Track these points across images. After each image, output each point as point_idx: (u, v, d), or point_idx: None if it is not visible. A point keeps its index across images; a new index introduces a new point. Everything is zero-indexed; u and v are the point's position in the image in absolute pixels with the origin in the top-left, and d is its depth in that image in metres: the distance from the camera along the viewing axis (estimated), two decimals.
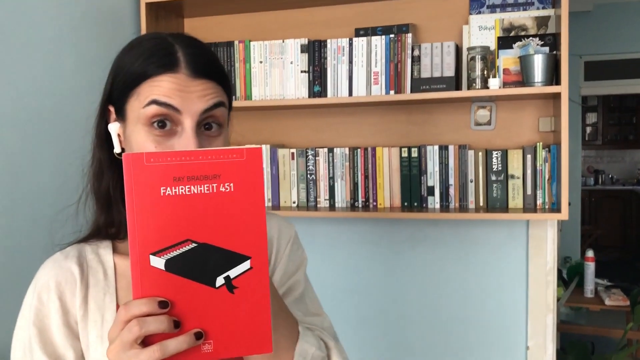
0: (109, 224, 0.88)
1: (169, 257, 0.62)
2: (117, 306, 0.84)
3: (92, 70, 1.80)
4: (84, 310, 0.83)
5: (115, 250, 0.89)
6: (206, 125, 0.80)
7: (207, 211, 0.62)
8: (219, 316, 0.63)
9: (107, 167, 0.87)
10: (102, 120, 0.87)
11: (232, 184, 0.62)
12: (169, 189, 0.61)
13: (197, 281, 0.63)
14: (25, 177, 1.60)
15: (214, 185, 0.62)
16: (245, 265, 0.63)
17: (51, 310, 0.83)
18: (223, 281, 0.63)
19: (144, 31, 2.05)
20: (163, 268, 0.62)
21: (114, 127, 0.84)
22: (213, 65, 0.84)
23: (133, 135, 0.81)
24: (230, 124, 0.89)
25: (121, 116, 0.83)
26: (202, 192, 0.62)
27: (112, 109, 0.85)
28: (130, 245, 0.62)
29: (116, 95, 0.83)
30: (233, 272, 0.63)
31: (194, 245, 0.62)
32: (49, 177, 1.67)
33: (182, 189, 0.61)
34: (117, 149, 0.85)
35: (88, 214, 0.90)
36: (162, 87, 0.78)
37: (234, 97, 2.09)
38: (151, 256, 0.61)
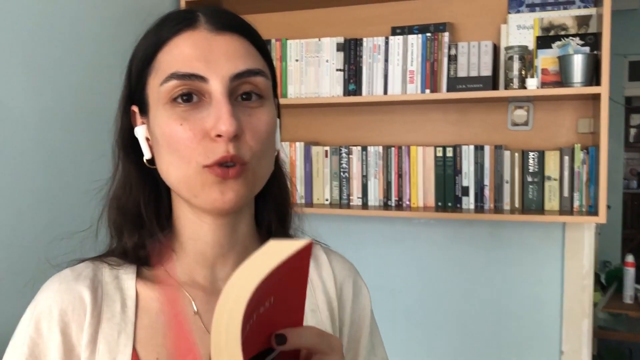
0: (138, 247, 0.73)
1: None
2: (134, 351, 0.67)
3: None
4: (90, 351, 0.66)
5: (139, 276, 0.72)
6: (244, 96, 0.66)
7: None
8: None
9: (136, 179, 0.73)
10: (126, 124, 0.73)
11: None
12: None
13: None
14: (65, 173, 1.65)
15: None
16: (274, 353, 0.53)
17: (50, 347, 0.66)
18: None
19: None
20: None
21: (140, 131, 0.71)
22: (241, 21, 0.70)
23: (156, 121, 0.67)
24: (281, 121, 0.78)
25: (144, 111, 0.70)
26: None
27: (135, 109, 0.72)
28: None
29: (134, 83, 0.71)
30: None
31: None
32: (87, 174, 1.72)
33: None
34: (146, 155, 0.71)
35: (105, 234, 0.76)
36: (181, 52, 0.65)
37: None
38: None
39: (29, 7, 1.54)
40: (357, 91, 2.07)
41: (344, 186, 2.13)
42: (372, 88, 2.05)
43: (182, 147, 0.65)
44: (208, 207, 0.67)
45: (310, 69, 2.12)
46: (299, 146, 2.17)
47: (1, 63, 1.47)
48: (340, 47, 2.08)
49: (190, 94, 0.65)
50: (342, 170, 2.13)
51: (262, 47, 0.71)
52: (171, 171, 0.67)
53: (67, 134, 1.65)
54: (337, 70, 2.09)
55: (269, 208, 0.80)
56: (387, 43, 2.03)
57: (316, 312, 0.78)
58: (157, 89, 0.66)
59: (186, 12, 0.69)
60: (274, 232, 0.81)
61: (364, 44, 2.06)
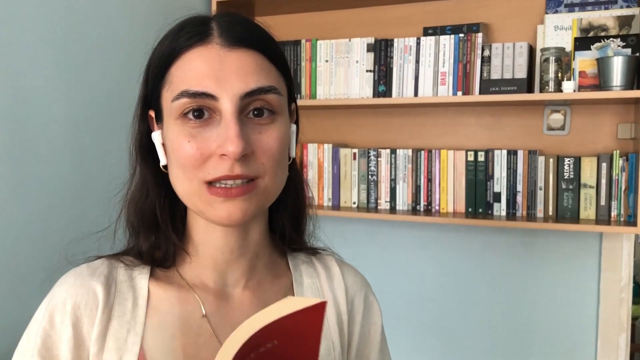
0: (153, 248, 0.75)
1: None
2: (141, 350, 0.69)
3: None
4: (99, 347, 0.68)
5: (152, 276, 0.74)
6: (255, 112, 0.66)
7: None
8: None
9: (152, 183, 0.74)
10: (143, 128, 0.74)
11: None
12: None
13: None
14: (91, 172, 1.66)
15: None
16: None
17: (62, 339, 0.68)
18: None
19: None
20: None
21: (157, 136, 0.72)
22: (257, 32, 0.70)
23: (167, 134, 0.69)
24: (299, 124, 0.79)
25: (160, 118, 0.71)
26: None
27: (152, 114, 0.73)
28: None
29: (151, 90, 0.72)
30: None
31: None
32: (111, 174, 1.73)
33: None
34: (162, 161, 0.72)
35: (121, 235, 0.79)
36: (192, 69, 0.65)
37: (297, 95, 2.08)
38: None
39: (61, 7, 1.55)
40: (387, 93, 2.02)
41: (371, 189, 2.09)
42: (402, 90, 2.01)
43: (187, 164, 0.66)
44: (215, 222, 0.69)
45: (340, 70, 2.09)
46: (327, 148, 2.14)
47: (33, 62, 1.48)
48: (370, 48, 2.05)
49: (201, 109, 0.65)
50: (370, 173, 2.09)
51: (277, 58, 0.70)
52: (177, 185, 0.70)
53: (95, 133, 1.66)
54: (367, 71, 2.05)
55: (284, 214, 0.80)
56: (418, 44, 1.99)
57: (324, 325, 0.77)
58: (169, 103, 0.67)
59: (201, 22, 0.69)
60: (287, 238, 0.81)
61: (395, 44, 2.01)
